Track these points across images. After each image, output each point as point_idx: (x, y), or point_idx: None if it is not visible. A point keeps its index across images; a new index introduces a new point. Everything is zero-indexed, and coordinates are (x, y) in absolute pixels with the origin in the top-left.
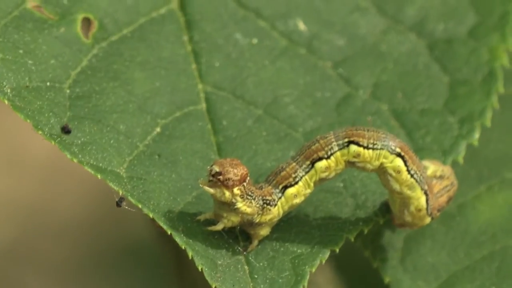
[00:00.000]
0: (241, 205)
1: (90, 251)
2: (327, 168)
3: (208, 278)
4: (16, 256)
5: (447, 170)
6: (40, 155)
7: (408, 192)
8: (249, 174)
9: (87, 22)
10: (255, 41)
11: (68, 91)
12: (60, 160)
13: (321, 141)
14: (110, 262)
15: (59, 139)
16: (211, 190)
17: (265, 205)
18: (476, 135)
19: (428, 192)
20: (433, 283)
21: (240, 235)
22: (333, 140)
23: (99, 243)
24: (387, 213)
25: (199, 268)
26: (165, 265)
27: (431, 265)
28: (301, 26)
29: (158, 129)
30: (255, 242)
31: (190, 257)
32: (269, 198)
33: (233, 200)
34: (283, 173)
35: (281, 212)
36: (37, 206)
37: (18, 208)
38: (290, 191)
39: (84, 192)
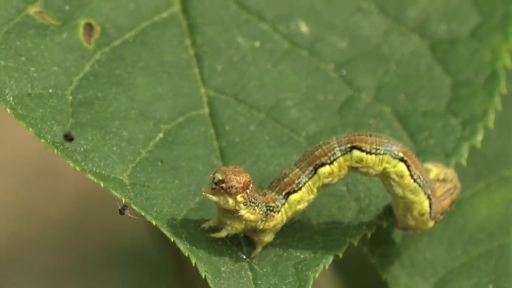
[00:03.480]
0: (244, 212)
1: (87, 253)
2: (330, 173)
3: (211, 285)
4: (9, 260)
5: (450, 173)
6: (28, 158)
7: (411, 196)
8: (252, 181)
9: (89, 27)
10: (257, 44)
11: (70, 97)
12: (49, 164)
13: (324, 147)
14: (109, 262)
15: (61, 147)
16: (214, 198)
17: (268, 212)
18: (479, 137)
19: (431, 196)
20: (431, 279)
21: (243, 241)
22: (335, 145)
23: (96, 244)
24: (391, 217)
25: (203, 275)
26: (164, 263)
27: (428, 262)
28: (303, 28)
29: (161, 135)
30: (259, 248)
31: (194, 264)
32: (273, 204)
33: (237, 208)
34: (286, 180)
35: (285, 218)
36: (28, 211)
37: (8, 213)
38: (294, 197)
39: (78, 194)
